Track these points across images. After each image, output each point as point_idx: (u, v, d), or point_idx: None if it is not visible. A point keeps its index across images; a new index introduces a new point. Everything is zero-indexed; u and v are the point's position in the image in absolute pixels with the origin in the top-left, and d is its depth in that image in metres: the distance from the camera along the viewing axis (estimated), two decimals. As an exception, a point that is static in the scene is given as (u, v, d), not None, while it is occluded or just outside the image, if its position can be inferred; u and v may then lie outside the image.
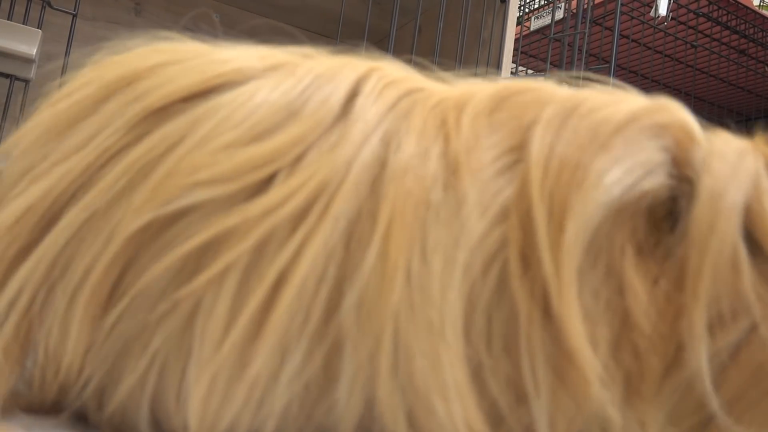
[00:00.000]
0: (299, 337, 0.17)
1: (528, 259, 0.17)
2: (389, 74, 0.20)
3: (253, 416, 0.17)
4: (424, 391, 0.16)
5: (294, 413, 0.17)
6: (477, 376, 0.17)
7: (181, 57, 0.20)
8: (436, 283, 0.17)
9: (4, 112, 1.16)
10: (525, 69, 1.29)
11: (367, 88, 0.19)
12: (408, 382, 0.16)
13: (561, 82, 0.21)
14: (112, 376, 0.18)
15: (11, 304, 0.18)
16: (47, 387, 0.19)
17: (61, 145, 0.19)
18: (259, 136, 0.18)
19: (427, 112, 0.19)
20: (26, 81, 1.15)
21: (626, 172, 0.18)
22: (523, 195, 0.17)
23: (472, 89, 0.20)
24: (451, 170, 0.18)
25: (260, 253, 0.17)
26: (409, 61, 0.23)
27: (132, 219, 0.17)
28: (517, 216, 0.17)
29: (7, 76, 1.13)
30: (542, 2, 1.18)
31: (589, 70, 1.01)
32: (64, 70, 1.02)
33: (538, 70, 1.33)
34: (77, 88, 0.21)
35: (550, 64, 1.07)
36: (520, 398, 0.17)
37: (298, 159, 0.17)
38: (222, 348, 0.16)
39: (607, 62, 1.00)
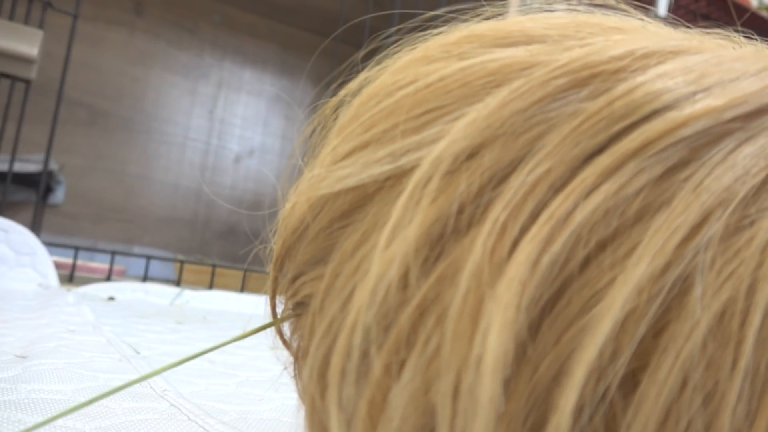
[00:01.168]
0: None
1: None
2: None
3: None
4: None
5: None
6: None
7: None
8: None
9: (5, 113, 1.16)
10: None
11: None
12: None
13: None
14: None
15: None
16: None
17: None
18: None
19: None
20: (27, 81, 1.16)
21: None
22: None
23: None
24: None
25: None
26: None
27: None
28: None
29: (8, 76, 1.13)
30: (543, 2, 1.19)
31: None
32: (65, 70, 1.02)
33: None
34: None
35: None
36: None
37: None
38: None
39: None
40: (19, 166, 1.37)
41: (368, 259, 0.14)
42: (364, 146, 0.16)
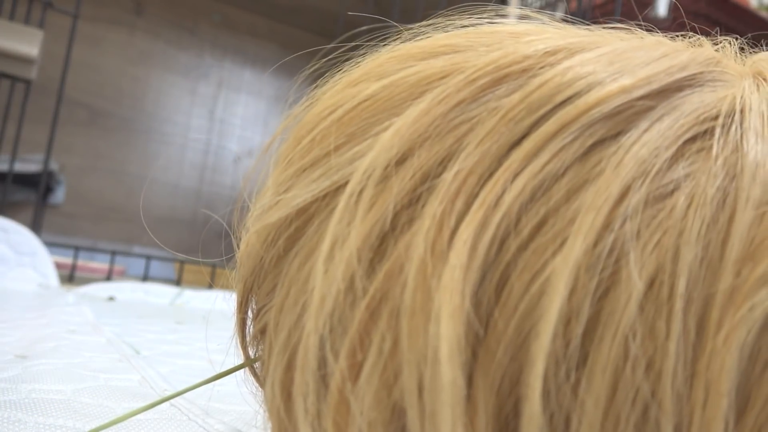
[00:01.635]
0: None
1: None
2: None
3: None
4: None
5: None
6: None
7: None
8: None
9: (5, 113, 1.16)
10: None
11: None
12: None
13: None
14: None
15: None
16: None
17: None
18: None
19: None
20: (27, 81, 1.16)
21: None
22: None
23: None
24: None
25: None
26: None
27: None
28: None
29: (8, 76, 1.13)
30: (542, 3, 1.19)
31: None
32: (65, 70, 1.02)
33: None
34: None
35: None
36: None
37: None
38: None
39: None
40: (19, 166, 1.37)
41: (315, 272, 0.15)
42: (302, 171, 0.17)
